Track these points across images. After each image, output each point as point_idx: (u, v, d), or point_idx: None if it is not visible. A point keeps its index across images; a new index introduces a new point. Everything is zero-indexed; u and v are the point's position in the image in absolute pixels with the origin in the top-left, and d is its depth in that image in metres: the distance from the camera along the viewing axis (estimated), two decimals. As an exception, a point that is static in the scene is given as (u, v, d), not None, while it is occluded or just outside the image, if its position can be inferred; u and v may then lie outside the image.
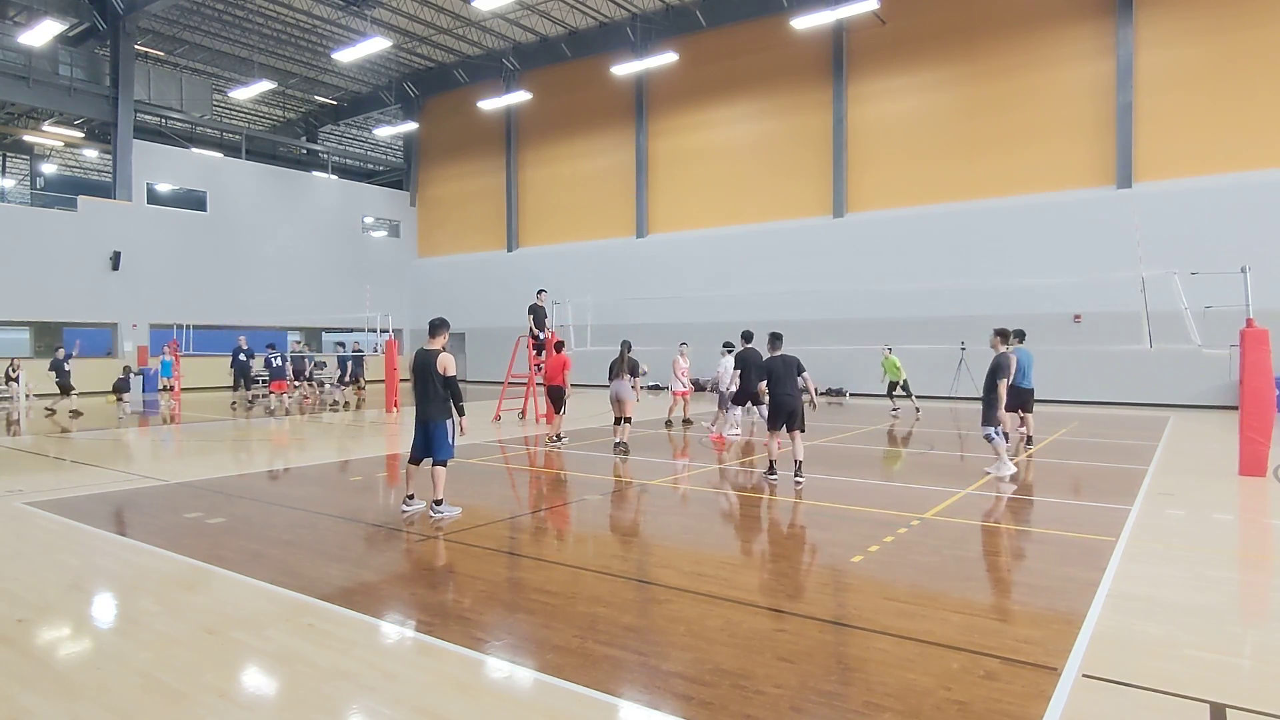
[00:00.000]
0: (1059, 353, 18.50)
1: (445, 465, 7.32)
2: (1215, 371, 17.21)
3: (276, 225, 30.69)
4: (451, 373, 7.31)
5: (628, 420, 11.71)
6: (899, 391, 17.14)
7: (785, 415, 9.02)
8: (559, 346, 12.95)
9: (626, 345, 12.27)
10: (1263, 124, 18.03)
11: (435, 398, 7.31)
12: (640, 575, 5.60)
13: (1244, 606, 5.07)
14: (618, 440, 11.60)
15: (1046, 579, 5.29)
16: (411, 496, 7.51)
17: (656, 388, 26.86)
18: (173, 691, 3.59)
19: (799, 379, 9.13)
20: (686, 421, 15.29)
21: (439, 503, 7.24)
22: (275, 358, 19.66)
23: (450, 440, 7.36)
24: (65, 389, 18.09)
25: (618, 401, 11.78)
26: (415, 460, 7.52)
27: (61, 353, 18.49)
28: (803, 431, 9.09)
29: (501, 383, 18.37)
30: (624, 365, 12.05)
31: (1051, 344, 17.80)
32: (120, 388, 18.30)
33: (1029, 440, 11.77)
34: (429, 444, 7.36)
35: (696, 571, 5.51)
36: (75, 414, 17.64)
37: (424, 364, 7.32)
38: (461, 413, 7.43)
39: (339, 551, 6.10)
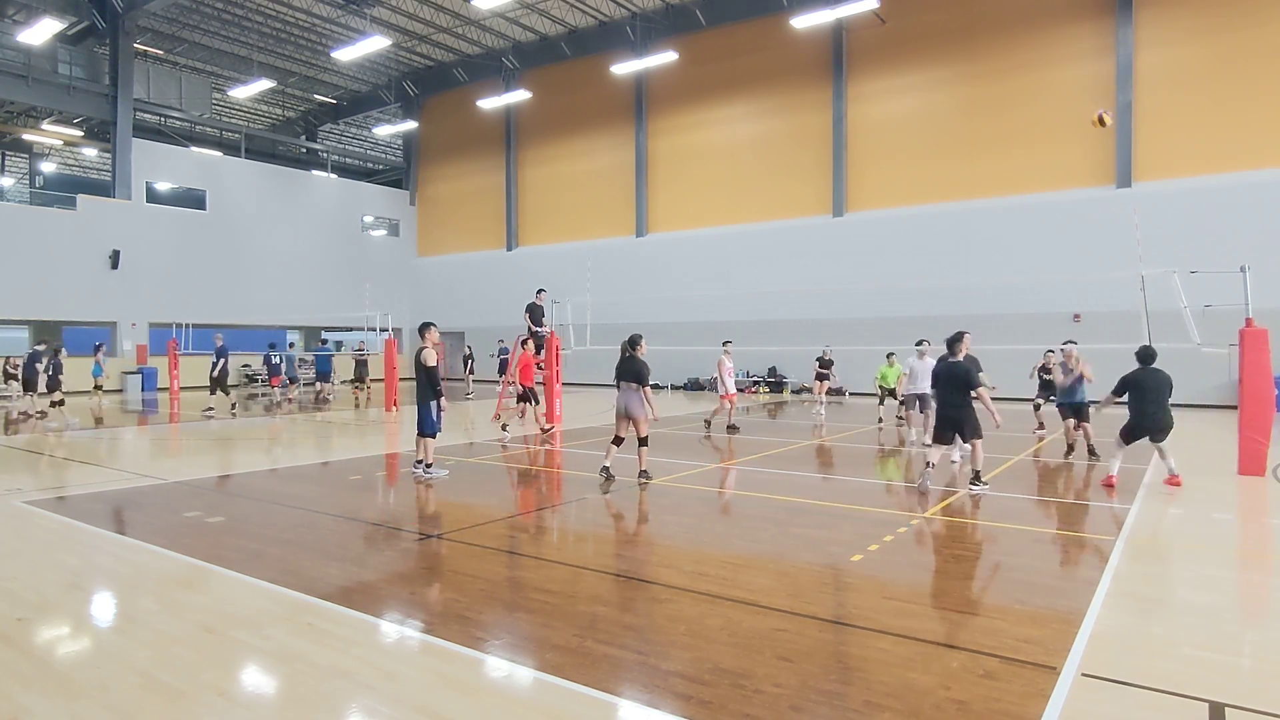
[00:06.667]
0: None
1: (432, 437, 9.24)
2: (1214, 371, 17.17)
3: (276, 224, 30.67)
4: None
5: (643, 443, 8.97)
6: None
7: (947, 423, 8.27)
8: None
9: (631, 343, 9.08)
10: (1263, 124, 18.03)
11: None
12: (640, 574, 5.59)
13: (1244, 606, 5.07)
14: (641, 470, 8.99)
15: (1046, 578, 5.29)
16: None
17: (656, 387, 26.88)
18: (172, 690, 3.59)
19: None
20: (732, 428, 13.85)
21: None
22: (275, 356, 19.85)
23: (434, 417, 9.14)
24: (31, 386, 16.22)
25: (627, 419, 8.98)
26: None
27: (45, 345, 16.59)
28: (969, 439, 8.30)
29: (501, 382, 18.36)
30: (629, 370, 8.92)
31: (1051, 343, 17.77)
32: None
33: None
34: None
35: (696, 571, 5.51)
36: (41, 415, 16.04)
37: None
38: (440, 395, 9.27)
39: (339, 551, 6.09)
